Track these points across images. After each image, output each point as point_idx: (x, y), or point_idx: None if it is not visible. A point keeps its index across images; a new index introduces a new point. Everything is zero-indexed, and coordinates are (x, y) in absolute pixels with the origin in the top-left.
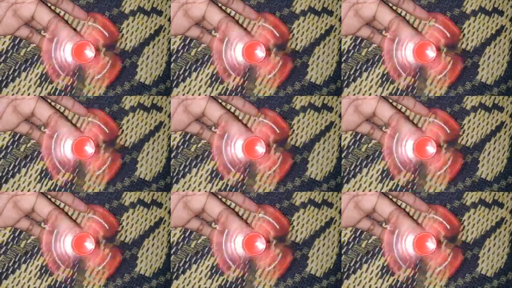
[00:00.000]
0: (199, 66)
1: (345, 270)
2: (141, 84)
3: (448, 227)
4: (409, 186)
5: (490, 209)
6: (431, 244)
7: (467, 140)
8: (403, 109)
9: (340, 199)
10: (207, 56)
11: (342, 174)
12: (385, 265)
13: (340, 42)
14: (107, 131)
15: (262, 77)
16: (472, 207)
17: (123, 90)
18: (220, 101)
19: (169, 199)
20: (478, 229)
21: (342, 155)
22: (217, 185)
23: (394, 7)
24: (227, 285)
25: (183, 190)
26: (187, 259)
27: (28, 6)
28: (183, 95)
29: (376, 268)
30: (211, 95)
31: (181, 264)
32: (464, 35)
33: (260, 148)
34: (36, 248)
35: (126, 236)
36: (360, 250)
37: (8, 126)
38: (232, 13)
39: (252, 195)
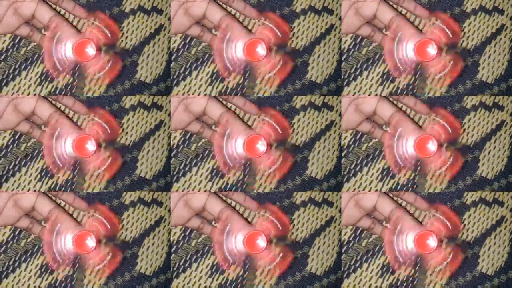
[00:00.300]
0: (200, 65)
1: (346, 269)
2: (142, 83)
3: (449, 225)
4: (409, 185)
5: (490, 207)
6: (431, 243)
7: (468, 139)
8: (404, 108)
9: (340, 197)
10: (207, 55)
11: (342, 173)
12: (385, 263)
13: (340, 41)
14: (108, 130)
15: (263, 75)
16: (473, 206)
17: (124, 89)
18: (220, 99)
19: (169, 198)
20: (478, 228)
21: (343, 154)
22: (217, 184)
23: (395, 6)
24: (228, 284)
25: (183, 190)
26: (188, 258)
27: (29, 5)
28: (183, 94)
29: (376, 266)
30: (212, 94)
31: (181, 263)
32: (464, 33)
33: (261, 147)
34: (37, 247)
35: (126, 235)
36: (361, 249)
37: (9, 125)
38: (233, 12)
39: (253, 194)
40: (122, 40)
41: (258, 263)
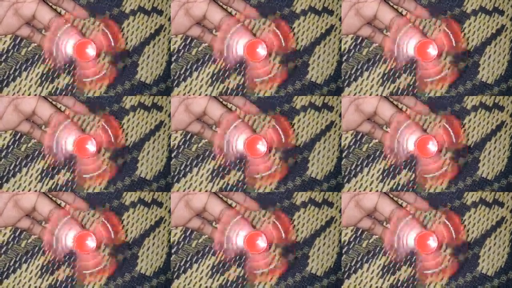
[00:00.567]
0: (200, 66)
1: (346, 269)
2: (142, 84)
3: (449, 226)
4: (410, 185)
5: (490, 208)
6: (432, 243)
7: (468, 139)
8: (404, 108)
9: (341, 198)
10: (208, 56)
11: (343, 173)
12: (386, 264)
13: (340, 42)
14: (108, 130)
15: (263, 76)
16: (473, 207)
17: (124, 89)
18: (221, 100)
19: (170, 198)
20: (478, 228)
21: (343, 155)
22: (218, 184)
23: (395, 6)
24: (228, 284)
25: (184, 190)
26: (188, 259)
27: (29, 5)
28: (184, 94)
29: (377, 267)
30: (212, 94)
31: (182, 264)
32: (464, 34)
33: (262, 147)
34: (37, 248)
35: (126, 235)
36: (361, 250)
37: (9, 126)
38: (233, 12)
39: (253, 194)
40: (122, 41)
41: (258, 264)
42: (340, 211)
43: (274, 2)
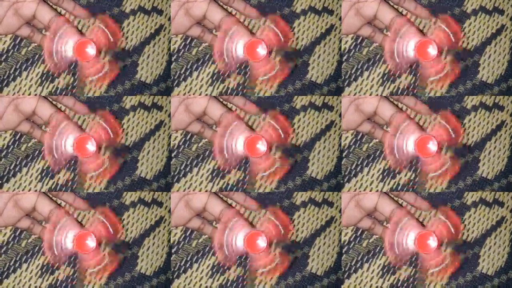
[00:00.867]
0: (200, 66)
1: (346, 269)
2: (142, 83)
3: (449, 225)
4: (410, 185)
5: (490, 208)
6: (432, 242)
7: (468, 139)
8: (404, 108)
9: (341, 198)
10: (208, 55)
11: (343, 173)
12: (386, 264)
13: (340, 41)
14: (108, 130)
15: (263, 76)
16: (473, 206)
17: (124, 89)
18: (221, 100)
19: (170, 198)
20: (478, 228)
21: (343, 154)
22: (218, 184)
23: (395, 6)
24: (228, 284)
25: (184, 190)
26: (188, 258)
27: (29, 5)
28: (184, 94)
29: (377, 267)
30: (212, 94)
31: (182, 263)
32: (464, 34)
33: (262, 147)
34: (37, 247)
35: (127, 235)
36: (361, 249)
37: (9, 125)
38: (233, 12)
39: (253, 194)
40: (122, 40)
41: (258, 263)
42: (340, 211)
43: (274, 2)
